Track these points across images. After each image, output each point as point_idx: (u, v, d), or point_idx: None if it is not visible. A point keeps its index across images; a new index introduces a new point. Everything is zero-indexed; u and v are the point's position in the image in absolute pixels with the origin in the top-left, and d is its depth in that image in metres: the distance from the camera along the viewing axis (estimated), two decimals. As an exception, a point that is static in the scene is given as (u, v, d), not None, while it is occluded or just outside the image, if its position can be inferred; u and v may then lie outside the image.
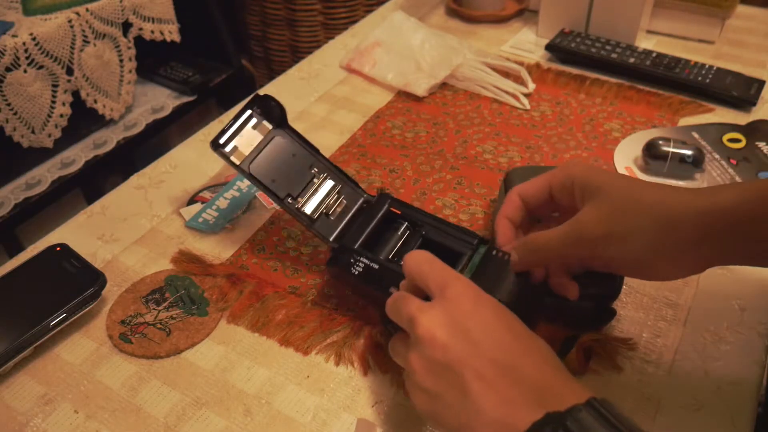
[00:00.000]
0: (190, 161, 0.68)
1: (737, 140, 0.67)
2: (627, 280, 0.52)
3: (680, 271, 0.41)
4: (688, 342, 0.48)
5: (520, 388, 0.34)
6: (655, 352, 0.47)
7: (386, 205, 0.52)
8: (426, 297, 0.39)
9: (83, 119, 1.03)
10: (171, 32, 1.10)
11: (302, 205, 0.52)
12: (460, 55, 0.81)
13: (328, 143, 0.70)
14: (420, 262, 0.41)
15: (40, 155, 1.01)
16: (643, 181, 0.41)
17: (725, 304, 0.50)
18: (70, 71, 0.95)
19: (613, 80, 0.79)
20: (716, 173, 0.63)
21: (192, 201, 0.63)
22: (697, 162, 0.62)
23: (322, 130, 0.73)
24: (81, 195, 1.04)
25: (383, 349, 0.47)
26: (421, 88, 0.77)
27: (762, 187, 0.37)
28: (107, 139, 1.06)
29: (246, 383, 0.46)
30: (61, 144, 1.00)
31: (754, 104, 0.72)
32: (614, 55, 0.80)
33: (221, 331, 0.50)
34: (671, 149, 0.62)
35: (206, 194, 0.63)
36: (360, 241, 0.50)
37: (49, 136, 0.96)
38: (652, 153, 0.63)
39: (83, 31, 0.95)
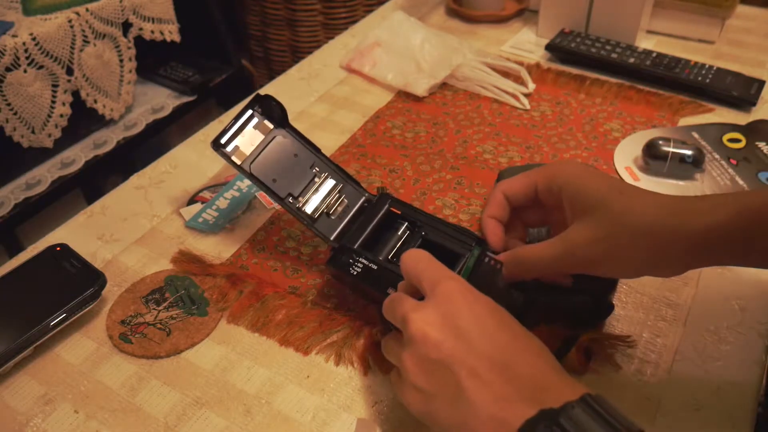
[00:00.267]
0: (190, 161, 0.68)
1: (737, 140, 0.67)
2: (627, 279, 0.53)
3: (672, 274, 0.42)
4: (688, 342, 0.48)
5: (514, 384, 0.34)
6: (655, 352, 0.47)
7: (387, 205, 0.52)
8: (423, 298, 0.39)
9: (83, 119, 1.03)
10: (171, 32, 1.10)
11: (303, 205, 0.52)
12: (460, 55, 0.81)
13: (328, 143, 0.70)
14: (416, 260, 0.41)
15: (40, 155, 1.01)
16: (637, 193, 0.41)
17: (725, 304, 0.50)
18: (70, 71, 0.95)
19: (613, 80, 0.79)
20: (716, 173, 0.63)
21: (192, 201, 0.63)
22: (697, 162, 0.62)
23: (322, 130, 0.73)
24: (81, 195, 1.04)
25: (383, 349, 0.47)
26: (421, 88, 0.77)
27: (756, 201, 0.38)
28: (107, 139, 1.06)
29: (246, 383, 0.46)
30: (61, 144, 1.00)
31: (754, 104, 0.72)
32: (614, 55, 0.80)
33: (221, 331, 0.50)
34: (671, 149, 0.62)
35: (206, 194, 0.63)
36: (360, 240, 0.50)
37: (49, 136, 0.96)
38: (652, 153, 0.63)
39: (83, 31, 0.95)
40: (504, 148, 0.69)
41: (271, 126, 0.53)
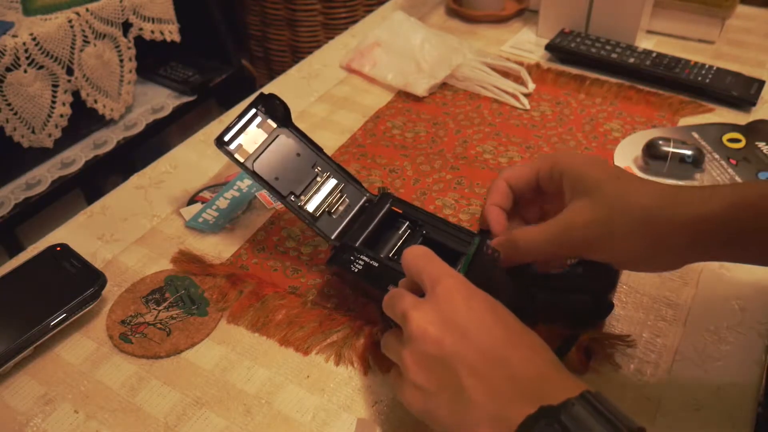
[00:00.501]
0: (190, 161, 0.68)
1: (737, 140, 0.67)
2: (627, 280, 0.53)
3: (670, 267, 0.42)
4: (688, 342, 0.48)
5: (514, 381, 0.34)
6: (655, 352, 0.47)
7: (388, 205, 0.52)
8: (424, 294, 0.39)
9: (83, 119, 1.03)
10: (171, 32, 1.10)
11: (305, 204, 0.52)
12: (460, 55, 0.81)
13: (328, 143, 0.70)
14: (416, 256, 0.41)
15: (40, 155, 1.01)
16: (635, 180, 0.41)
17: (725, 304, 0.50)
18: (70, 71, 0.95)
19: (613, 80, 0.79)
20: (716, 173, 0.63)
21: (192, 201, 0.63)
22: (697, 162, 0.62)
23: (322, 130, 0.73)
24: (81, 195, 1.04)
25: (383, 349, 0.47)
26: (421, 88, 0.77)
27: (751, 194, 0.38)
28: (107, 139, 1.06)
29: (246, 383, 0.46)
30: (61, 144, 1.00)
31: (754, 104, 0.72)
32: (614, 55, 0.80)
33: (221, 331, 0.50)
34: (671, 149, 0.62)
35: (206, 194, 0.63)
36: (361, 239, 0.50)
37: (49, 136, 0.96)
38: (652, 153, 0.63)
39: (83, 31, 0.95)
40: (504, 148, 0.69)
41: (274, 125, 0.54)
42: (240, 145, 0.52)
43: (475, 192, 0.63)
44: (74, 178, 1.00)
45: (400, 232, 0.51)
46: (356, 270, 0.48)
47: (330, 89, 0.80)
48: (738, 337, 0.48)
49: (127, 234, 0.60)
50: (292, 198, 0.52)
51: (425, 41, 0.83)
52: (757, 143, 0.66)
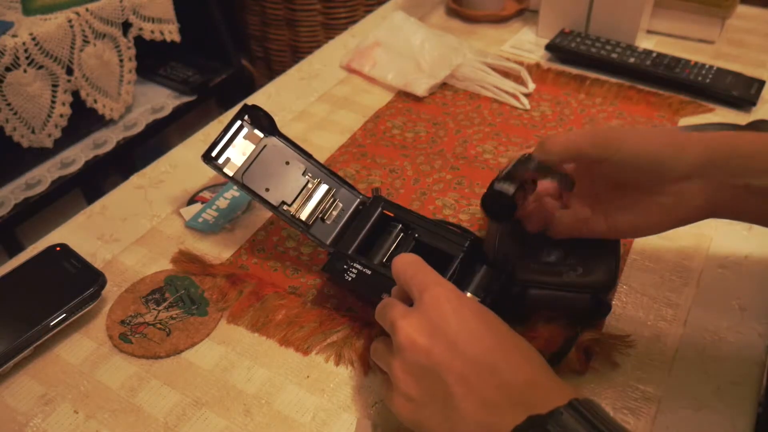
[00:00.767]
0: (190, 161, 0.68)
1: (740, 133, 0.66)
2: (627, 279, 0.53)
3: (683, 205, 0.41)
4: (688, 342, 0.48)
5: (502, 390, 0.34)
6: (655, 352, 0.47)
7: (380, 208, 0.52)
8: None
9: (83, 119, 1.03)
10: (171, 32, 1.10)
11: (297, 212, 0.52)
12: (460, 55, 0.81)
13: (328, 143, 0.70)
14: (405, 264, 0.41)
15: (40, 155, 1.01)
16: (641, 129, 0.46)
17: (725, 304, 0.50)
18: (70, 71, 0.95)
19: (613, 80, 0.79)
20: (716, 173, 0.63)
21: (192, 201, 0.63)
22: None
23: (322, 130, 0.73)
24: (81, 195, 1.04)
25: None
26: (421, 88, 0.77)
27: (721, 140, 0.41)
28: (107, 139, 1.06)
29: (246, 383, 0.46)
30: (61, 144, 1.00)
31: (754, 104, 0.72)
32: (614, 55, 0.80)
33: (221, 331, 0.50)
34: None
35: (206, 194, 0.63)
36: (355, 245, 0.50)
37: (49, 136, 0.96)
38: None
39: (83, 31, 0.95)
40: (504, 148, 0.69)
41: (261, 135, 0.53)
42: (228, 159, 0.52)
43: (475, 192, 0.63)
44: (74, 178, 1.00)
45: (393, 236, 0.51)
46: (350, 279, 0.48)
47: (330, 89, 0.80)
48: (738, 337, 0.48)
49: (127, 234, 0.60)
50: (285, 207, 0.52)
51: (425, 41, 0.83)
52: (757, 143, 0.66)
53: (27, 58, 0.88)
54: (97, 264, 0.55)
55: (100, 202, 0.64)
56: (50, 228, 0.61)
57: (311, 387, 0.46)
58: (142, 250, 0.58)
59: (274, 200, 0.52)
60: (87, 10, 0.95)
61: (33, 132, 0.94)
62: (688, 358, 0.47)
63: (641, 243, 0.56)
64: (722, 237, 0.56)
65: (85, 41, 0.96)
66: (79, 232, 0.60)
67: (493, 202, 0.44)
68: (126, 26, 1.03)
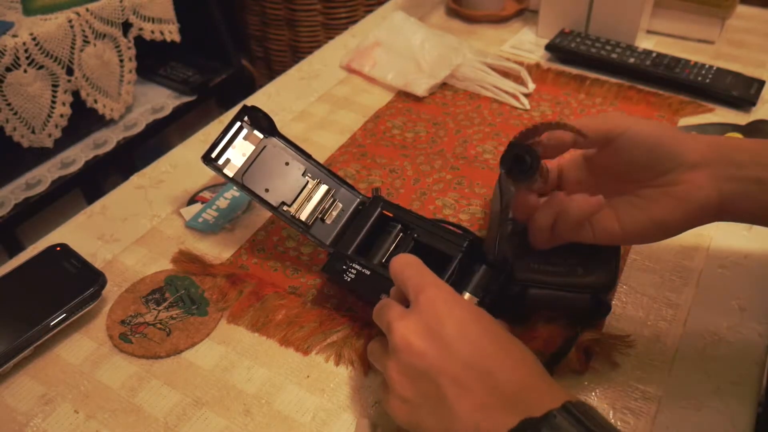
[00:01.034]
0: (190, 161, 0.68)
1: (738, 138, 0.67)
2: (627, 279, 0.53)
3: (692, 195, 0.41)
4: (688, 342, 0.48)
5: (496, 393, 0.34)
6: (655, 352, 0.47)
7: (379, 208, 0.52)
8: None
9: (83, 119, 1.03)
10: (171, 32, 1.10)
11: (297, 212, 0.52)
12: (460, 55, 0.81)
13: (328, 143, 0.70)
14: (402, 265, 0.41)
15: (40, 155, 1.01)
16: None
17: (725, 304, 0.50)
18: (70, 71, 0.95)
19: (613, 80, 0.79)
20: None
21: (192, 201, 0.63)
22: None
23: (322, 130, 0.73)
24: (81, 195, 1.04)
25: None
26: (421, 88, 0.77)
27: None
28: (107, 139, 1.06)
29: (246, 383, 0.46)
30: (61, 144, 1.00)
31: (754, 104, 0.72)
32: (614, 55, 0.80)
33: (221, 331, 0.50)
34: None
35: (206, 194, 0.63)
36: (354, 245, 0.50)
37: (49, 136, 0.96)
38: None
39: (83, 31, 0.95)
40: (504, 147, 0.68)
41: (261, 136, 0.53)
42: (228, 160, 0.52)
43: (475, 192, 0.63)
44: (74, 178, 1.00)
45: (392, 236, 0.51)
46: (349, 279, 0.48)
47: (330, 89, 0.80)
48: (738, 337, 0.48)
49: (127, 234, 0.60)
50: (284, 208, 0.52)
51: (425, 41, 0.83)
52: (757, 143, 0.66)
53: (27, 58, 0.88)
54: (98, 264, 0.55)
55: (100, 202, 0.64)
56: (50, 228, 0.61)
57: (311, 387, 0.46)
58: (142, 250, 0.58)
59: (274, 201, 0.52)
60: (87, 10, 0.95)
61: (33, 132, 0.94)
62: (688, 358, 0.47)
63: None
64: (722, 237, 0.56)
65: (86, 41, 0.96)
66: (79, 232, 0.60)
67: (512, 156, 0.42)
68: (126, 26, 1.03)
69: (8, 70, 0.87)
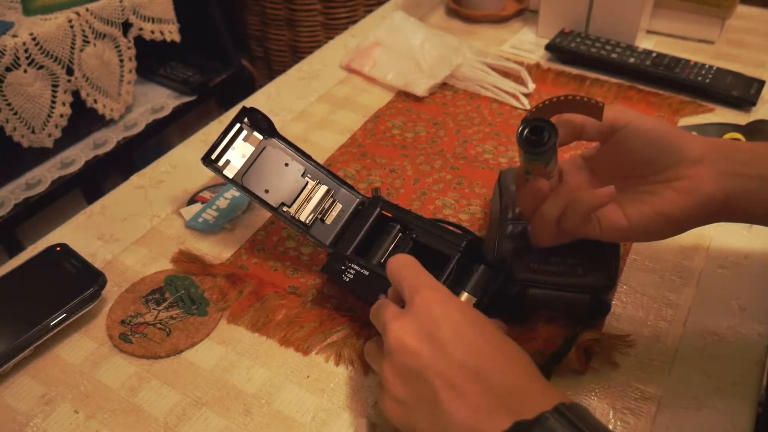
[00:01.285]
0: (190, 161, 0.68)
1: (737, 140, 0.67)
2: (627, 279, 0.53)
3: (696, 189, 0.41)
4: (688, 342, 0.48)
5: (490, 394, 0.34)
6: (655, 352, 0.47)
7: (378, 209, 0.52)
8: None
9: (83, 119, 1.03)
10: (171, 32, 1.10)
11: (297, 213, 0.52)
12: (460, 55, 0.81)
13: (328, 143, 0.70)
14: (399, 266, 0.41)
15: (40, 155, 1.01)
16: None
17: (725, 304, 0.50)
18: (70, 71, 0.95)
19: (613, 80, 0.79)
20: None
21: (192, 201, 0.63)
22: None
23: (322, 130, 0.73)
24: (81, 195, 1.04)
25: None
26: (421, 88, 0.77)
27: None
28: (107, 139, 1.06)
29: (246, 383, 0.46)
30: (61, 144, 1.00)
31: (754, 104, 0.72)
32: (614, 55, 0.80)
33: (221, 331, 0.50)
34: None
35: (206, 194, 0.63)
36: (353, 245, 0.50)
37: (49, 136, 0.96)
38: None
39: (83, 31, 0.95)
40: (504, 148, 0.69)
41: (260, 137, 0.54)
42: (228, 161, 0.52)
43: (475, 192, 0.63)
44: (74, 178, 1.00)
45: (391, 236, 0.51)
46: (347, 279, 0.49)
47: (330, 89, 0.80)
48: (738, 337, 0.48)
49: (127, 234, 0.60)
50: (284, 208, 0.52)
51: (425, 41, 0.83)
52: (757, 143, 0.66)
53: (27, 58, 0.88)
54: (98, 264, 0.55)
55: (100, 202, 0.64)
56: (50, 228, 0.61)
57: (311, 387, 0.46)
58: (142, 250, 0.58)
59: (274, 201, 0.52)
60: (87, 10, 0.95)
61: (33, 132, 0.94)
62: (688, 358, 0.47)
63: (641, 243, 0.56)
64: (722, 237, 0.56)
65: (85, 41, 0.96)
66: (79, 232, 0.60)
67: (529, 127, 0.41)
68: (126, 26, 1.03)
69: (8, 70, 0.87)
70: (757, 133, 0.67)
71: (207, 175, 0.66)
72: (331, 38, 0.93)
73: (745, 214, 0.41)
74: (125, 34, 1.03)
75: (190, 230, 0.60)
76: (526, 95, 0.77)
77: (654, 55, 0.79)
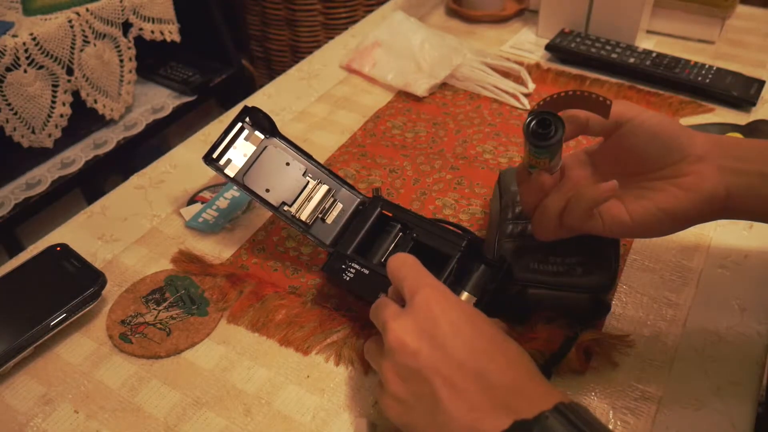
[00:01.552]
0: (190, 161, 0.68)
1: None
2: (627, 279, 0.53)
3: (699, 185, 0.41)
4: (688, 342, 0.48)
5: (489, 394, 0.33)
6: (655, 352, 0.47)
7: (378, 208, 0.52)
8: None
9: (83, 119, 1.03)
10: (171, 32, 1.10)
11: (298, 212, 0.52)
12: (460, 55, 0.81)
13: (328, 143, 0.70)
14: (399, 265, 0.41)
15: (40, 155, 1.01)
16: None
17: (725, 304, 0.50)
18: (70, 71, 0.95)
19: (613, 80, 0.79)
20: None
21: (192, 201, 0.63)
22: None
23: (322, 130, 0.73)
24: (81, 195, 1.04)
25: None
26: (421, 88, 0.77)
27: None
28: (107, 139, 1.06)
29: (246, 383, 0.46)
30: (61, 144, 1.00)
31: (754, 104, 0.72)
32: (614, 55, 0.80)
33: (221, 331, 0.50)
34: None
35: (206, 194, 0.63)
36: (354, 245, 0.50)
37: (49, 136, 0.96)
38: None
39: (83, 31, 0.95)
40: (504, 148, 0.69)
41: (261, 136, 0.54)
42: (229, 160, 0.52)
43: (475, 192, 0.63)
44: (74, 178, 1.00)
45: (392, 236, 0.51)
46: (348, 279, 0.49)
47: (330, 89, 0.80)
48: (738, 337, 0.48)
49: (127, 234, 0.60)
50: (285, 208, 0.52)
51: (425, 41, 0.83)
52: (757, 143, 0.66)
53: (27, 58, 0.88)
54: (98, 264, 0.55)
55: (100, 202, 0.64)
56: (50, 228, 0.61)
57: (311, 387, 0.46)
58: (142, 250, 0.58)
59: (275, 201, 0.52)
60: (87, 10, 0.95)
61: (33, 132, 0.94)
62: (688, 358, 0.47)
63: (641, 243, 0.56)
64: (722, 237, 0.56)
65: (86, 41, 0.96)
66: (79, 232, 0.60)
67: (537, 119, 0.41)
68: (126, 26, 1.03)
69: (8, 70, 0.87)
70: (757, 133, 0.67)
71: (207, 175, 0.66)
72: (331, 38, 0.93)
73: (748, 211, 0.41)
74: (125, 34, 1.03)
75: (190, 230, 0.60)
76: (526, 95, 0.77)
77: (654, 55, 0.79)
